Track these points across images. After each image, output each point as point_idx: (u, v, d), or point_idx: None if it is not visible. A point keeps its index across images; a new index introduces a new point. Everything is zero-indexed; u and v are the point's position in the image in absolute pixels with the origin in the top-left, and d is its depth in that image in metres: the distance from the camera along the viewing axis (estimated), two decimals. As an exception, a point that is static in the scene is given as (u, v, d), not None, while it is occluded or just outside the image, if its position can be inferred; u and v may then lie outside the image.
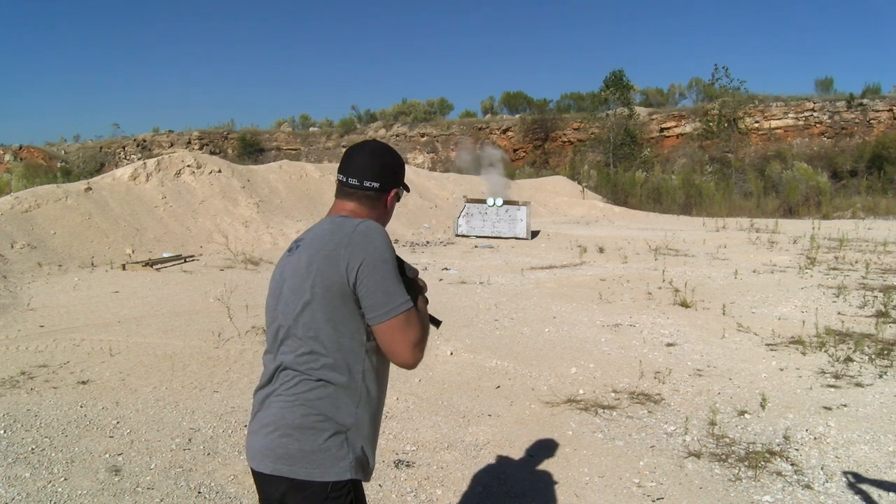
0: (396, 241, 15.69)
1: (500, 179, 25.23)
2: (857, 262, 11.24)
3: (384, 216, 1.87)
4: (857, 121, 32.26)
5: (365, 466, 1.73)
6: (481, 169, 26.69)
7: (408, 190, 1.98)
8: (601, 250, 13.45)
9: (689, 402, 4.77)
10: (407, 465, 3.74)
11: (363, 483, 1.77)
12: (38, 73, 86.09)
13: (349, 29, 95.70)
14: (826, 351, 5.92)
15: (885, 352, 5.83)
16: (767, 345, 6.25)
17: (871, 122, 31.93)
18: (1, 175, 25.74)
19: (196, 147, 38.69)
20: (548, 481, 3.58)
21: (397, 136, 39.99)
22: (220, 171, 16.36)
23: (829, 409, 4.57)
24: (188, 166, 15.92)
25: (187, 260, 12.13)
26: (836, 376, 5.26)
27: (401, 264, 1.76)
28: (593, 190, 28.91)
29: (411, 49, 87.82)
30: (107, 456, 3.78)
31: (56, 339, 6.35)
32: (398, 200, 1.93)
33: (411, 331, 1.64)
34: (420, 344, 1.66)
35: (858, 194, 24.95)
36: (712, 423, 4.28)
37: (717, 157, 30.97)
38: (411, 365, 1.67)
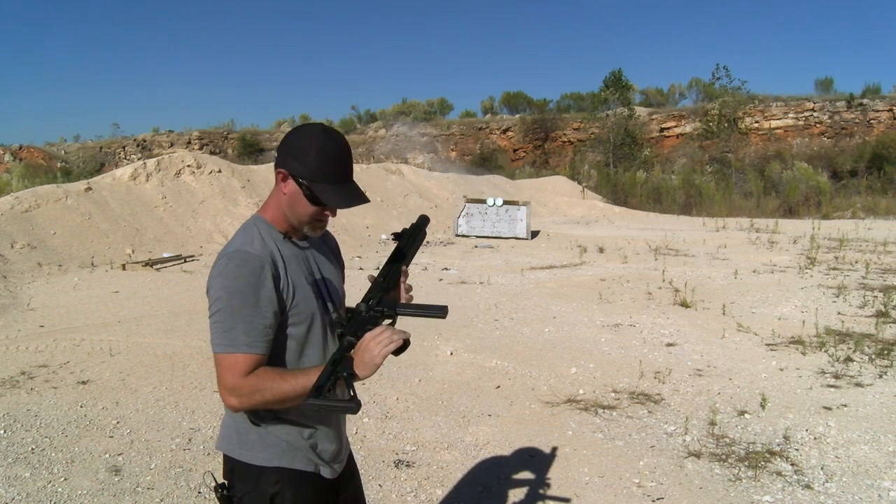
0: (396, 241, 15.69)
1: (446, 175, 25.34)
2: (857, 262, 11.23)
3: (282, 203, 1.65)
4: (857, 121, 32.25)
5: (309, 456, 1.67)
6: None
7: (320, 203, 1.61)
8: (601, 250, 13.45)
9: (689, 402, 4.77)
10: (407, 465, 3.74)
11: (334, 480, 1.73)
12: (38, 73, 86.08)
13: (349, 29, 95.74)
14: (826, 351, 5.93)
15: (885, 352, 5.83)
16: (767, 345, 6.25)
17: (871, 122, 31.93)
18: (1, 175, 25.71)
19: (196, 147, 38.65)
20: (548, 481, 3.58)
21: (397, 136, 39.97)
22: (220, 171, 16.36)
23: (829, 409, 4.58)
24: (188, 166, 15.92)
25: (187, 260, 12.13)
26: (836, 376, 5.26)
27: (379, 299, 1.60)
28: (593, 190, 28.88)
29: (411, 49, 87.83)
30: (107, 456, 3.78)
31: (56, 339, 6.35)
32: (312, 203, 1.61)
33: (221, 374, 1.55)
34: (234, 392, 1.53)
35: (858, 194, 24.92)
36: (712, 423, 4.28)
37: (717, 157, 30.94)
38: (226, 404, 1.57)
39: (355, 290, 1.90)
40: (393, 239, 1.82)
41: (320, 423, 1.69)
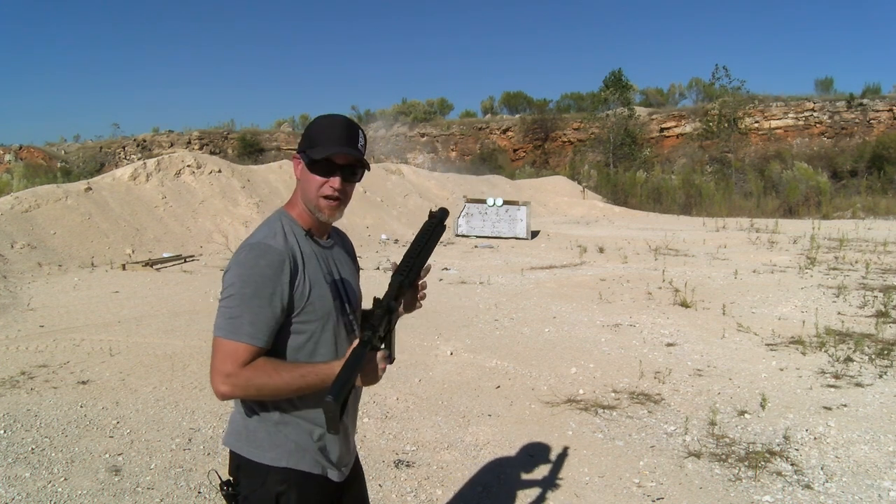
0: (397, 241, 15.70)
1: None
2: (857, 262, 11.24)
3: (297, 190, 1.71)
4: (857, 121, 32.25)
5: (317, 458, 1.67)
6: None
7: (315, 166, 1.63)
8: (601, 250, 13.45)
9: (689, 402, 4.77)
10: (407, 465, 3.74)
11: (336, 481, 1.72)
12: (38, 73, 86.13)
13: (349, 29, 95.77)
14: (826, 351, 5.93)
15: (885, 352, 5.83)
16: (767, 345, 6.25)
17: (871, 122, 31.93)
18: (1, 175, 25.70)
19: (196, 147, 38.65)
20: (548, 481, 3.58)
21: (397, 136, 39.97)
22: (220, 171, 16.36)
23: (829, 409, 4.57)
24: (188, 166, 15.92)
25: (187, 260, 12.13)
26: (836, 376, 5.26)
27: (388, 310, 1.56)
28: (593, 190, 28.90)
29: (411, 49, 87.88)
30: (107, 456, 3.78)
31: (56, 339, 6.35)
32: (311, 170, 1.64)
33: (218, 359, 1.54)
34: (229, 380, 1.52)
35: (858, 194, 24.93)
36: (712, 423, 4.28)
37: (717, 157, 30.95)
38: (216, 391, 1.54)
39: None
40: (431, 215, 1.76)
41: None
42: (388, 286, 1.62)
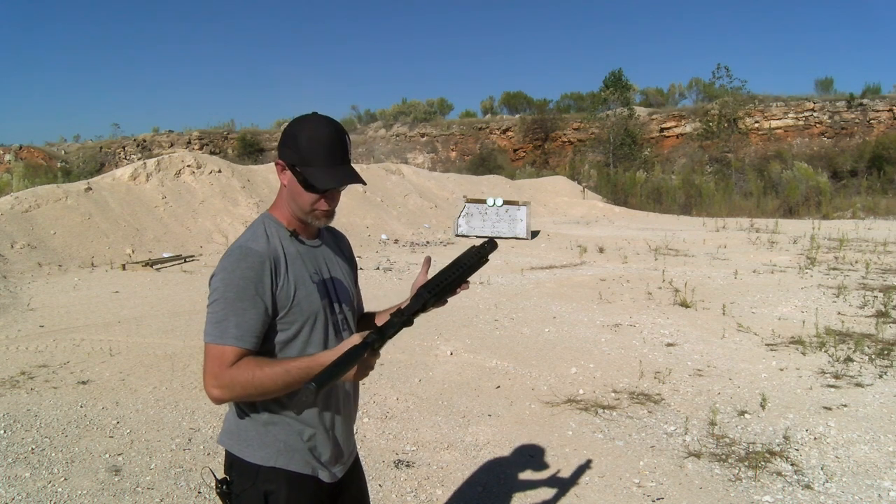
0: (397, 241, 15.70)
1: None
2: (857, 262, 11.24)
3: (284, 195, 1.66)
4: (857, 121, 32.24)
5: (306, 458, 1.66)
6: None
7: (311, 187, 1.59)
8: (601, 250, 13.45)
9: (689, 402, 4.77)
10: (407, 465, 3.74)
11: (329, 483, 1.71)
12: (38, 73, 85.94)
13: (349, 29, 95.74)
14: (826, 351, 5.93)
15: (885, 352, 5.83)
16: (767, 345, 6.25)
17: (871, 122, 31.92)
18: (1, 175, 25.67)
19: (196, 147, 38.62)
20: (548, 481, 3.58)
21: (397, 136, 39.96)
22: (220, 171, 16.35)
23: (829, 409, 4.58)
24: (188, 166, 15.91)
25: (187, 260, 12.13)
26: (836, 376, 5.26)
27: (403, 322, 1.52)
28: (593, 190, 28.87)
29: (411, 49, 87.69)
30: (107, 456, 3.78)
31: (56, 339, 6.35)
32: (307, 190, 1.60)
33: (207, 364, 1.58)
34: (217, 382, 1.54)
35: (858, 194, 24.92)
36: (712, 423, 4.28)
37: (717, 157, 30.93)
38: (209, 395, 1.57)
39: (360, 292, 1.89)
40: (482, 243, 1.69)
41: (321, 425, 1.69)
42: (411, 298, 1.58)
